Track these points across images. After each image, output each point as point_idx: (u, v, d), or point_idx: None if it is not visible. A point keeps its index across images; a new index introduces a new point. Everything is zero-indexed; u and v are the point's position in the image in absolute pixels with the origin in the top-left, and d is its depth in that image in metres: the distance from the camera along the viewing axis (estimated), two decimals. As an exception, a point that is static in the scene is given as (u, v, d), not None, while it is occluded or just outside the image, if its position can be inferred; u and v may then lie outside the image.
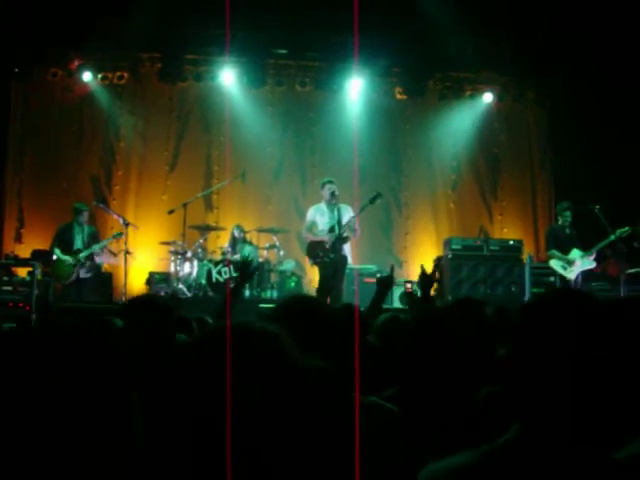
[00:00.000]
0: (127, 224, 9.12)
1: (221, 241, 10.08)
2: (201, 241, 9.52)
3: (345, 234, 7.85)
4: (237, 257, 9.22)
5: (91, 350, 1.39)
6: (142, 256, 9.97)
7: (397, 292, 9.44)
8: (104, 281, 9.82)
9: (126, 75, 10.82)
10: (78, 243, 9.00)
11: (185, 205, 9.13)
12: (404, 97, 11.43)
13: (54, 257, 8.86)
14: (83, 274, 8.95)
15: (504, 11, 9.40)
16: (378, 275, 6.93)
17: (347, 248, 8.08)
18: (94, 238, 9.16)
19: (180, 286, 9.03)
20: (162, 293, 9.14)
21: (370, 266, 9.54)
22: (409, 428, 1.89)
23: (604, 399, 1.14)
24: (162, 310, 2.64)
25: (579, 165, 10.15)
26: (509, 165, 11.79)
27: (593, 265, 8.73)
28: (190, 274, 9.25)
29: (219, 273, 8.99)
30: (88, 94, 10.80)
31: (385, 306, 8.02)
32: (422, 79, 11.19)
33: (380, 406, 1.92)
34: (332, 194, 8.01)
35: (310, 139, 11.29)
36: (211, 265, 9.05)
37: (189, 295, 8.91)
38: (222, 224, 10.38)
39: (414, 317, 2.73)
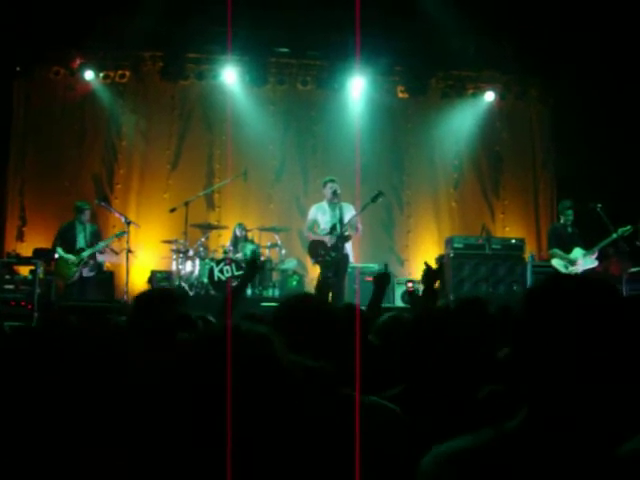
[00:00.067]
0: (129, 223, 9.12)
1: (223, 240, 10.08)
2: (203, 240, 9.52)
3: (347, 233, 7.85)
4: (239, 256, 9.22)
5: (93, 351, 1.39)
6: (144, 255, 9.98)
7: (399, 291, 9.45)
8: (106, 280, 9.82)
9: (128, 74, 10.82)
10: (81, 242, 9.00)
11: (187, 204, 9.14)
12: (406, 96, 11.42)
13: (56, 256, 8.85)
14: (86, 273, 8.95)
15: (506, 9, 9.39)
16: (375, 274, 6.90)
17: (349, 247, 8.09)
18: (96, 236, 9.17)
19: (182, 284, 9.03)
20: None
21: (372, 265, 9.54)
22: (412, 428, 1.89)
23: (611, 387, 1.14)
24: (171, 296, 2.67)
25: (581, 164, 10.13)
26: (511, 164, 11.78)
27: (595, 264, 8.73)
28: (192, 273, 9.25)
29: (221, 272, 8.99)
30: (90, 93, 10.79)
31: (387, 305, 8.05)
32: (424, 78, 11.17)
33: (381, 406, 1.92)
34: (334, 193, 8.01)
35: (312, 138, 11.28)
36: (213, 264, 9.05)
37: (191, 294, 8.92)
38: (224, 223, 10.38)
39: (414, 316, 2.73)
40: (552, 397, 1.16)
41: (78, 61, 10.53)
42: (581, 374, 1.14)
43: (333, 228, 7.88)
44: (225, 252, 9.32)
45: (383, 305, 4.29)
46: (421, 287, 3.88)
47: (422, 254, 10.72)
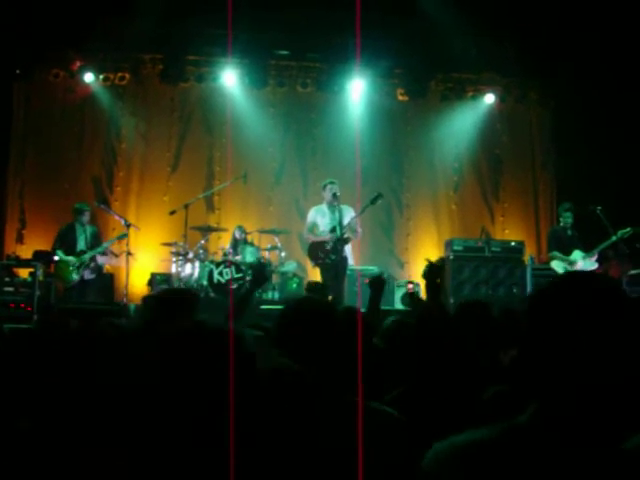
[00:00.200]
0: (128, 225, 9.11)
1: (222, 242, 10.07)
2: (202, 242, 9.51)
3: (346, 235, 7.84)
4: (239, 258, 9.21)
5: (93, 353, 1.39)
6: (143, 257, 9.96)
7: (398, 293, 9.45)
8: (106, 282, 9.81)
9: (128, 76, 10.82)
10: (81, 244, 8.95)
11: (187, 206, 9.12)
12: (406, 98, 11.42)
13: (56, 258, 8.81)
14: (87, 275, 8.92)
15: (506, 12, 9.39)
16: (371, 277, 6.83)
17: (348, 249, 8.07)
18: (97, 238, 9.14)
19: (181, 287, 9.02)
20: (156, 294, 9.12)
21: (371, 267, 9.53)
22: (413, 429, 1.88)
23: (619, 384, 1.13)
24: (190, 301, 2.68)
25: (581, 166, 10.13)
26: (511, 166, 11.78)
27: (595, 266, 8.72)
28: (191, 275, 9.24)
29: (220, 274, 8.98)
30: (90, 95, 10.80)
31: (387, 307, 8.03)
32: (424, 80, 11.17)
33: (380, 411, 1.91)
34: (334, 195, 8.00)
35: (311, 140, 11.28)
36: (212, 266, 9.04)
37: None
38: (223, 225, 10.37)
39: (417, 318, 2.72)
40: (561, 395, 1.15)
41: (78, 63, 10.53)
42: (589, 373, 1.13)
43: (332, 230, 7.87)
44: (225, 254, 9.31)
45: (382, 308, 4.28)
46: (422, 286, 3.85)
47: (422, 257, 10.69)
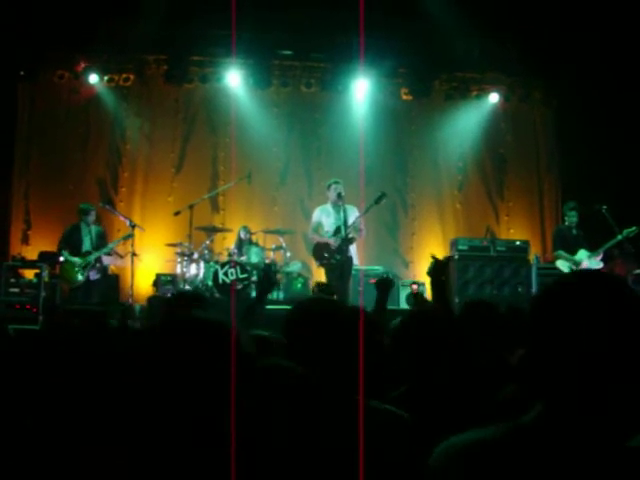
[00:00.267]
0: (133, 226, 9.12)
1: (227, 242, 10.08)
2: (207, 242, 9.53)
3: (351, 235, 7.84)
4: (244, 259, 9.22)
5: (94, 353, 1.39)
6: (148, 258, 9.98)
7: (403, 293, 9.44)
8: (111, 283, 9.82)
9: (132, 77, 10.84)
10: (87, 244, 8.93)
11: (191, 207, 9.13)
12: (410, 98, 11.41)
13: (61, 259, 8.82)
14: (93, 276, 8.91)
15: (510, 12, 9.38)
16: (377, 278, 6.82)
17: (353, 249, 8.07)
18: (102, 237, 9.14)
19: (187, 287, 9.03)
20: (169, 295, 9.14)
21: (376, 267, 9.53)
22: (418, 429, 1.87)
23: (627, 383, 1.13)
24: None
25: (586, 165, 10.11)
26: (515, 165, 11.76)
27: (600, 266, 8.70)
28: (197, 275, 9.26)
29: (225, 274, 8.99)
30: (94, 96, 10.82)
31: (392, 307, 8.03)
32: (428, 80, 11.17)
33: (380, 409, 1.90)
34: (338, 195, 7.99)
35: (316, 140, 11.28)
36: (217, 266, 9.05)
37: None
38: (228, 225, 10.38)
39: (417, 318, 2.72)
40: (567, 395, 1.15)
41: (82, 64, 10.55)
42: (595, 372, 1.13)
43: (337, 230, 7.87)
44: (230, 255, 9.32)
45: (388, 307, 4.28)
46: (426, 285, 3.84)
47: (426, 256, 10.65)
